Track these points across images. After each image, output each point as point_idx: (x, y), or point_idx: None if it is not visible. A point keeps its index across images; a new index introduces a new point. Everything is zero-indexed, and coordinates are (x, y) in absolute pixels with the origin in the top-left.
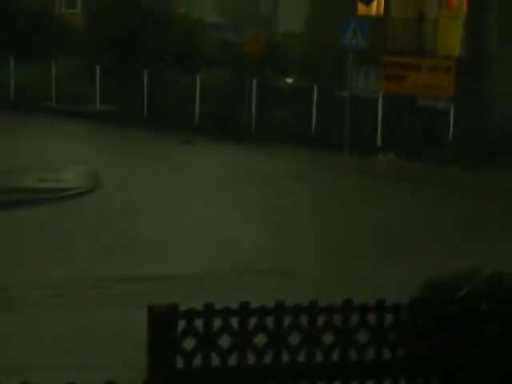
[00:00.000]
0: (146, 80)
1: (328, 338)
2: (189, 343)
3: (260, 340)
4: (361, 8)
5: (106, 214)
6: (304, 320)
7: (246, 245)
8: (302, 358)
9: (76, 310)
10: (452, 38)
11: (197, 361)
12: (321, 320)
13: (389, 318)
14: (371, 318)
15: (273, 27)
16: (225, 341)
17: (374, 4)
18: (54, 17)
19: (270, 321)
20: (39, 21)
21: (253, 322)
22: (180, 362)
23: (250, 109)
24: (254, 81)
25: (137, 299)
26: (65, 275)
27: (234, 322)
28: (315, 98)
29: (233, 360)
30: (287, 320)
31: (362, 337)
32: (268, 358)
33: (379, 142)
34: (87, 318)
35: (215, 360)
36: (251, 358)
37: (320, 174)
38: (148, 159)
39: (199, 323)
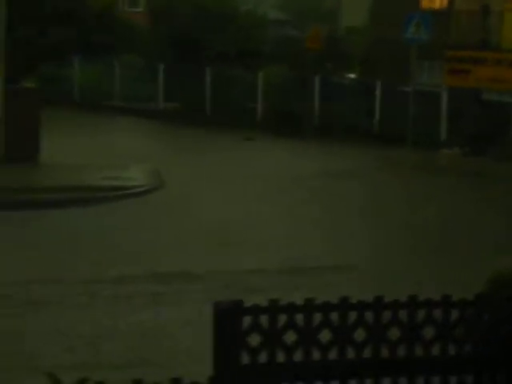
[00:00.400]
0: (208, 78)
1: (393, 333)
2: (254, 339)
3: (324, 336)
4: (424, 1)
5: (170, 211)
6: (369, 316)
7: (314, 242)
8: (367, 353)
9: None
10: None
11: (262, 357)
12: (386, 316)
13: (455, 314)
14: (437, 313)
15: (335, 22)
16: (290, 337)
17: None
18: (117, 16)
19: (334, 317)
20: (103, 20)
21: (317, 318)
22: (245, 358)
23: (312, 105)
24: (317, 77)
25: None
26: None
27: (299, 318)
28: (378, 92)
29: (297, 356)
30: (352, 316)
31: (428, 332)
32: (332, 354)
33: (443, 137)
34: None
35: (280, 356)
36: (316, 354)
37: (384, 170)
38: (211, 156)
39: (264, 319)
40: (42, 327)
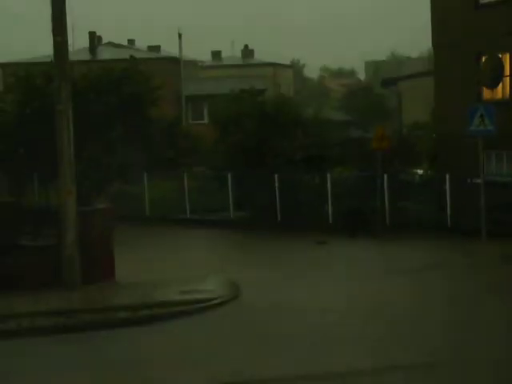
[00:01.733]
0: (276, 184)
1: None
2: None
3: None
4: (486, 92)
5: (251, 320)
6: None
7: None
8: None
9: None
10: None
11: None
12: None
13: None
14: None
15: (398, 119)
16: None
17: (500, 88)
18: (182, 129)
19: None
20: (169, 135)
21: None
22: None
23: (382, 204)
24: (385, 175)
25: None
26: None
27: None
28: (448, 186)
29: None
30: None
31: None
32: None
33: None
34: None
35: None
36: None
37: (462, 263)
38: (285, 263)
39: None
40: None
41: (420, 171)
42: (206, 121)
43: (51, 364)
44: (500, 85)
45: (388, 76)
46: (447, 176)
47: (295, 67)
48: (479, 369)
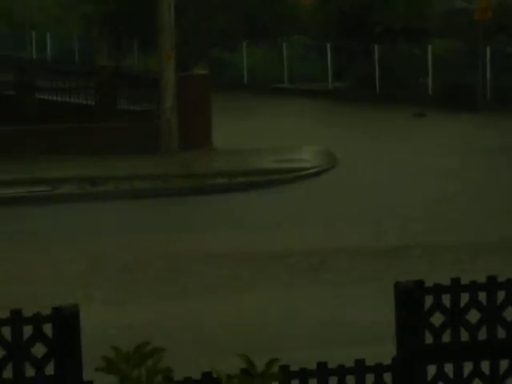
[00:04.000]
0: (376, 55)
1: None
2: (436, 319)
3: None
4: None
5: (347, 191)
6: None
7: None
8: None
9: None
10: None
11: (445, 337)
12: None
13: None
14: None
15: None
16: (473, 316)
17: None
18: None
19: None
20: (269, 2)
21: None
22: (429, 338)
23: (484, 77)
24: (488, 48)
25: None
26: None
27: (482, 296)
28: None
29: (481, 335)
30: None
31: None
32: None
33: None
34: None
35: (464, 335)
36: (501, 333)
37: None
38: (382, 135)
39: (446, 298)
40: None
41: None
42: None
43: (142, 226)
44: None
45: None
46: None
47: None
48: None
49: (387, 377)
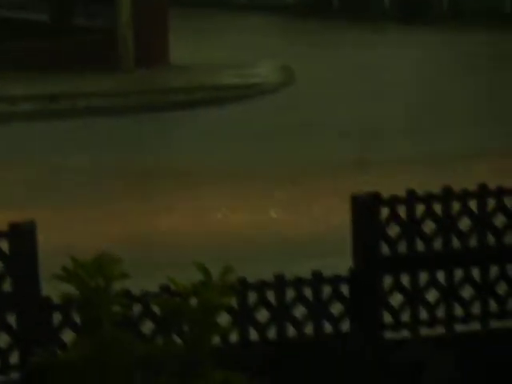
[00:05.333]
0: None
1: None
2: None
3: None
4: None
5: (305, 106)
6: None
7: None
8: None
9: None
10: None
11: (400, 247)
12: None
13: None
14: None
15: None
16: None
17: None
18: None
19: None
20: None
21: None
22: (384, 249)
23: None
24: None
25: None
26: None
27: (437, 208)
28: None
29: (437, 245)
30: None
31: None
32: (473, 242)
33: None
34: None
35: (419, 246)
36: (455, 242)
37: None
38: (339, 50)
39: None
40: None
41: None
42: None
43: (101, 141)
44: None
45: None
46: None
47: None
48: None
49: (344, 289)
